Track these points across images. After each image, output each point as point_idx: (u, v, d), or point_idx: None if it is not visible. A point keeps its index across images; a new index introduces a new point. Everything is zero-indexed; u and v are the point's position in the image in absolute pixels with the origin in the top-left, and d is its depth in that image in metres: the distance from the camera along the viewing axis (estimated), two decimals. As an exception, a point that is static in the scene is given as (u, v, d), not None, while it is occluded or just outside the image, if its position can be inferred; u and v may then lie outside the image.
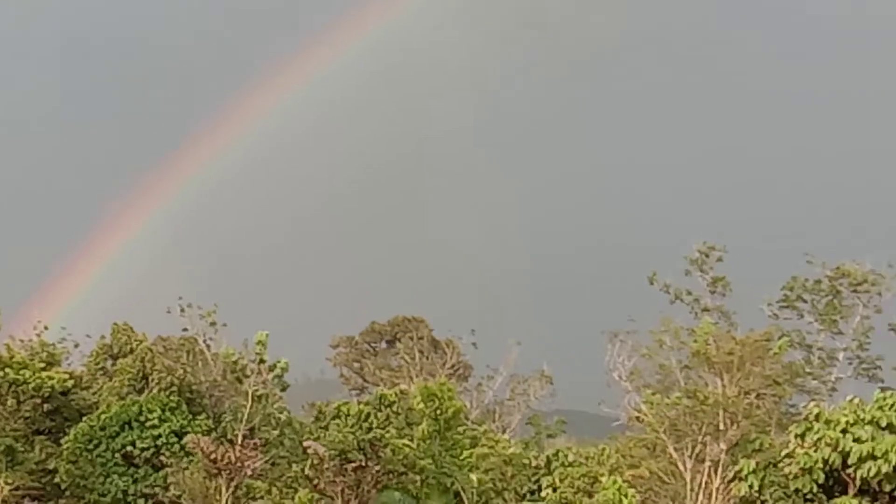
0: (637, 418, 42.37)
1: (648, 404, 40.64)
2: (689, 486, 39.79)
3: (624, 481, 38.64)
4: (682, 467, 40.13)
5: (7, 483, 49.05)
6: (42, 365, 55.91)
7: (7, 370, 54.03)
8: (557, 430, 57.17)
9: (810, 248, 48.44)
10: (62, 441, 52.69)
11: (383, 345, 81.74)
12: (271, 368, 51.17)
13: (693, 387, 40.56)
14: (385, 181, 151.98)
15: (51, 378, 54.89)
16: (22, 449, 52.11)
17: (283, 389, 53.26)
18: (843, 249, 51.97)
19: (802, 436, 37.17)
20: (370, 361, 79.56)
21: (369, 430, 49.18)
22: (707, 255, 46.37)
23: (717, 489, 39.52)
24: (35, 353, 57.79)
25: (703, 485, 39.73)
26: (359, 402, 56.11)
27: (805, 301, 47.84)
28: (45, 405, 55.23)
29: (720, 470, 39.59)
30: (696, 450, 40.04)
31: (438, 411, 48.24)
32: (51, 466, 52.22)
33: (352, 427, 49.20)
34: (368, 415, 50.66)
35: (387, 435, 49.20)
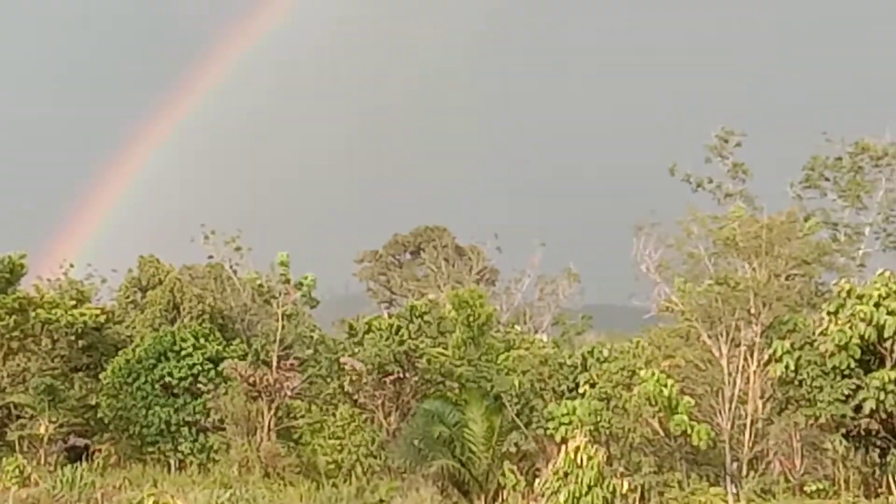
0: (668, 308, 42.45)
1: (680, 293, 40.72)
2: (725, 372, 39.97)
3: (661, 372, 38.82)
4: (717, 353, 40.29)
5: (51, 421, 49.66)
6: (73, 303, 56.32)
7: (39, 311, 54.41)
8: (585, 327, 57.42)
9: (826, 127, 48.37)
10: (101, 376, 53.16)
11: (407, 256, 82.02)
12: (298, 286, 51.46)
13: (723, 273, 40.61)
14: (401, 98, 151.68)
15: (83, 315, 55.30)
16: (62, 387, 52.58)
17: (313, 307, 53.59)
18: (860, 125, 51.61)
19: (835, 313, 37.30)
20: (396, 273, 79.91)
21: (402, 341, 49.55)
22: (726, 141, 46.28)
23: (754, 372, 39.72)
24: (64, 291, 58.23)
25: (740, 369, 39.93)
26: (389, 315, 56.49)
27: (827, 179, 47.87)
28: (80, 342, 55.65)
29: (755, 353, 39.72)
30: (730, 335, 40.15)
31: (471, 318, 48.51)
32: (92, 402, 52.72)
33: (386, 340, 49.55)
34: (400, 327, 51.00)
35: (421, 345, 49.63)
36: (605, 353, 43.45)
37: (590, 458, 21.62)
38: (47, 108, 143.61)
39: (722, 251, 41.15)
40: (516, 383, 43.84)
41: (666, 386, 37.98)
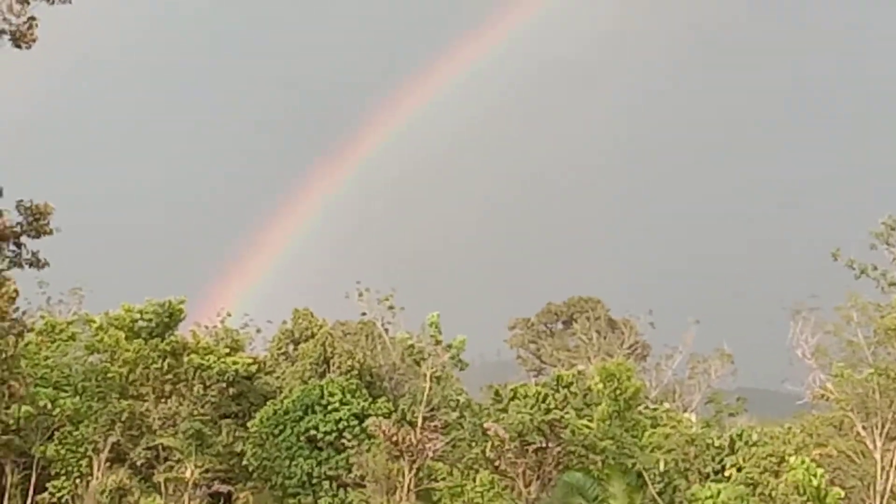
0: (823, 396, 41.37)
1: (839, 378, 39.59)
2: (878, 465, 38.74)
3: (811, 460, 37.67)
4: (871, 446, 39.09)
5: (197, 466, 50.29)
6: (226, 350, 57.13)
7: (193, 356, 55.28)
8: (739, 409, 56.16)
9: None
10: (248, 425, 53.74)
11: (559, 325, 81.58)
12: (447, 348, 51.35)
13: (883, 363, 39.42)
14: (563, 169, 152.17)
15: (235, 363, 56.03)
16: (210, 433, 53.20)
17: (462, 370, 53.34)
18: None
19: None
20: (547, 342, 79.48)
21: (548, 411, 49.09)
22: (894, 229, 44.97)
23: (909, 468, 38.43)
24: (220, 338, 59.18)
25: (894, 463, 38.62)
26: (536, 384, 56.08)
27: None
28: (231, 389, 56.31)
29: (912, 448, 38.47)
30: (886, 428, 38.93)
31: (618, 391, 47.89)
32: (238, 449, 53.25)
33: (531, 408, 49.15)
34: (546, 396, 50.54)
35: (566, 416, 49.11)
36: (755, 436, 42.46)
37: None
38: (218, 163, 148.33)
39: (883, 340, 39.99)
40: (661, 462, 43.06)
41: (815, 475, 36.81)
